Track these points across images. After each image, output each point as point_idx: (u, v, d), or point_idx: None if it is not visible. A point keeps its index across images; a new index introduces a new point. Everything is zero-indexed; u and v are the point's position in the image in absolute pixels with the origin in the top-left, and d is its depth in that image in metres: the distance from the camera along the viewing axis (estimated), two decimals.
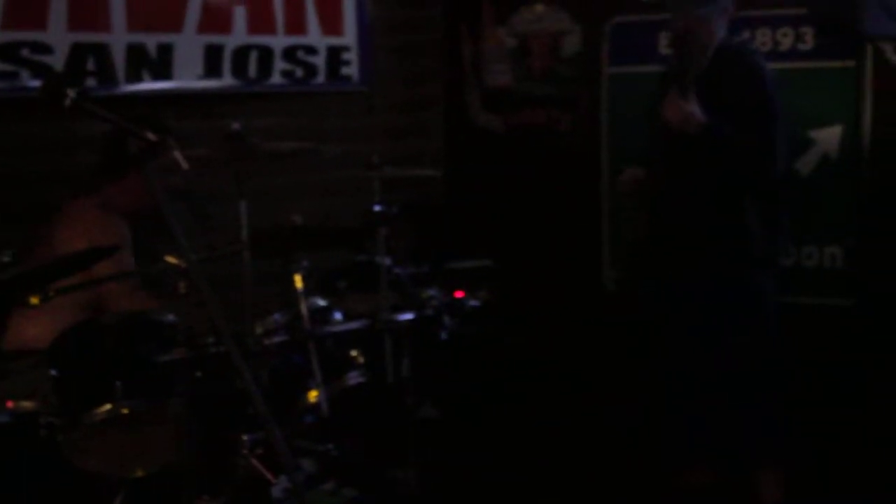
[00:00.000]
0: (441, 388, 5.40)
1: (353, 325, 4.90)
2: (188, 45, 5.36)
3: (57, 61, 5.07)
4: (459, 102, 6.76)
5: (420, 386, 4.98)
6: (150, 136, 3.83)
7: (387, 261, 5.01)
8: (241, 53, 5.57)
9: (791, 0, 4.99)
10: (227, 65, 5.52)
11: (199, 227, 4.89)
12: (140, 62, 5.22)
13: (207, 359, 4.28)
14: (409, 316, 4.93)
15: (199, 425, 4.21)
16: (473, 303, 5.43)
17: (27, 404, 4.04)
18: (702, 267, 4.78)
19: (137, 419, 4.14)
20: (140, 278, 4.71)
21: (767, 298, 4.81)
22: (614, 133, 6.21)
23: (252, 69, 5.62)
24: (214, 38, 5.46)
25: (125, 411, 4.04)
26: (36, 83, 4.99)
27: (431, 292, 5.26)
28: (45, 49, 5.05)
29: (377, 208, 5.00)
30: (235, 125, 4.68)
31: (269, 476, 4.31)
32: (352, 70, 6.07)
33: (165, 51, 5.27)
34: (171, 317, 4.28)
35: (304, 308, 4.69)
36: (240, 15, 5.55)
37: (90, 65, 5.16)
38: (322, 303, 4.94)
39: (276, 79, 5.74)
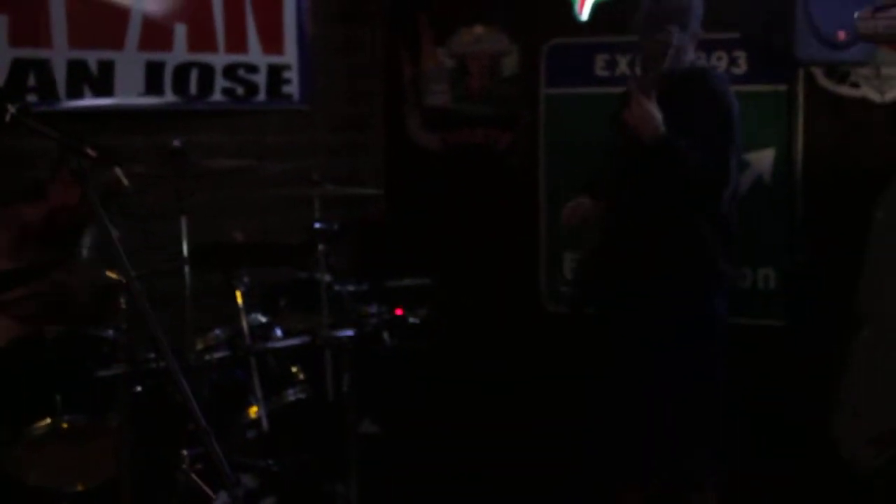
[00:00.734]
0: (381, 404, 5.42)
1: (294, 341, 4.88)
2: (129, 62, 5.34)
3: None
4: (399, 121, 6.79)
5: (360, 402, 4.99)
6: (91, 152, 3.85)
7: (327, 278, 5.04)
8: (182, 71, 5.56)
9: (725, 25, 5.03)
10: (167, 82, 5.50)
11: (139, 243, 4.88)
12: (81, 78, 5.19)
13: (148, 374, 4.29)
14: (349, 332, 4.89)
15: (139, 440, 4.19)
16: (413, 320, 5.46)
17: None
18: (655, 287, 4.75)
19: (78, 433, 4.17)
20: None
21: (719, 320, 4.81)
22: (551, 152, 6.27)
23: (193, 86, 5.61)
24: (155, 56, 5.44)
25: (65, 426, 4.04)
26: None
27: (371, 309, 5.29)
28: None
29: (317, 226, 5.03)
30: (176, 142, 4.67)
31: (208, 491, 4.25)
32: (292, 88, 6.08)
33: (106, 67, 5.25)
34: (111, 332, 4.30)
35: (244, 324, 4.68)
36: (181, 32, 5.53)
37: (31, 80, 5.12)
38: (263, 319, 4.94)
39: (217, 96, 5.73)
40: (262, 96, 5.94)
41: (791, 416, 5.14)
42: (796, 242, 5.16)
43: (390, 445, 5.40)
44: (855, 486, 2.66)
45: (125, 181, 4.58)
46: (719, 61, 5.65)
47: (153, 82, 5.46)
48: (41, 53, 5.13)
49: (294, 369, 4.92)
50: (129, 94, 5.36)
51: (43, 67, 5.14)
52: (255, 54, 5.88)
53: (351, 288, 5.40)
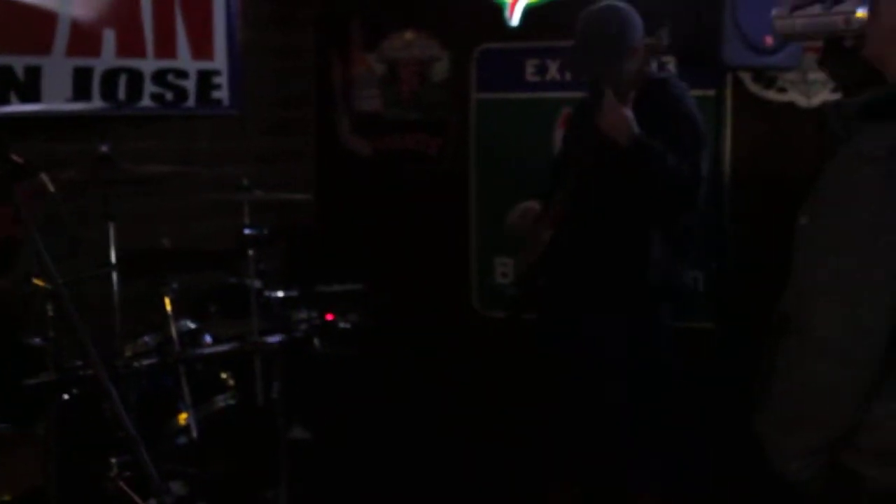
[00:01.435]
0: (312, 410, 5.41)
1: (224, 347, 4.90)
2: (56, 68, 5.28)
3: None
4: (330, 127, 6.79)
5: (290, 408, 5.00)
6: (16, 157, 3.82)
7: (257, 283, 5.03)
8: (111, 76, 5.51)
9: (653, 30, 5.06)
10: (96, 87, 5.45)
11: (66, 250, 4.85)
12: (7, 84, 5.13)
13: (75, 381, 4.27)
14: (279, 338, 4.92)
15: (67, 448, 4.19)
16: (344, 325, 5.46)
17: None
18: (601, 294, 4.77)
19: (4, 442, 4.16)
20: None
21: (664, 328, 4.87)
22: (482, 157, 6.30)
23: (121, 92, 5.57)
24: (83, 61, 5.39)
25: None
26: None
27: (302, 315, 5.29)
28: None
29: (247, 231, 5.02)
30: (104, 147, 4.66)
31: (137, 499, 4.26)
32: (222, 94, 6.05)
33: (33, 73, 5.19)
34: (38, 339, 4.27)
35: (173, 331, 4.67)
36: (109, 38, 5.49)
37: None
38: (192, 325, 4.93)
39: (146, 102, 5.69)
40: (191, 102, 5.91)
41: (720, 419, 5.18)
42: (724, 245, 5.19)
43: (320, 451, 5.39)
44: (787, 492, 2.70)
45: (51, 187, 4.58)
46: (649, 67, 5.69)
47: (81, 88, 5.40)
48: None
49: (224, 375, 4.93)
50: (56, 100, 5.30)
51: None
52: (185, 60, 5.85)
53: (281, 293, 5.38)
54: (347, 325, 5.46)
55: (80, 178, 4.75)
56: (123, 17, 5.56)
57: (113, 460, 4.31)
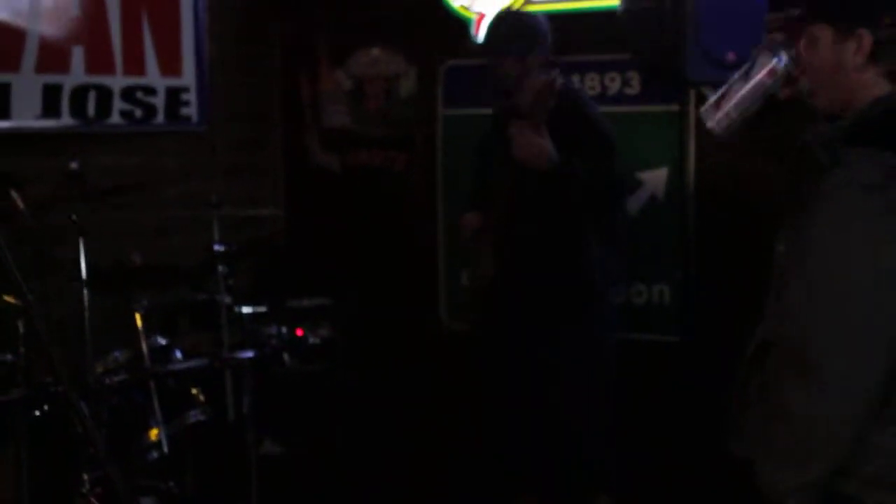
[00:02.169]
0: (282, 425, 5.43)
1: (194, 362, 4.90)
2: (26, 85, 5.28)
3: None
4: (299, 143, 6.80)
5: (261, 422, 5.01)
6: None
7: (227, 299, 5.05)
8: (80, 93, 5.52)
9: (618, 47, 5.10)
10: (65, 104, 5.45)
11: (36, 266, 4.85)
12: None
13: (46, 398, 4.27)
14: (249, 353, 4.94)
15: (39, 464, 4.18)
16: (313, 340, 5.48)
17: None
18: (544, 302, 4.84)
19: None
20: None
21: (607, 333, 4.94)
22: (449, 172, 6.32)
23: (91, 109, 5.57)
24: (52, 78, 5.39)
25: None
26: None
27: (272, 330, 5.31)
28: None
29: (217, 247, 5.04)
30: (73, 164, 4.68)
31: None
32: (191, 110, 6.05)
33: (2, 90, 5.19)
34: (8, 356, 4.26)
35: (144, 346, 4.69)
36: (78, 55, 5.49)
37: None
38: (162, 341, 4.94)
39: (115, 118, 5.68)
40: (160, 118, 5.91)
41: (683, 429, 5.23)
42: (689, 259, 5.24)
43: (291, 465, 5.40)
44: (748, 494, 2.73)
45: (21, 204, 4.59)
46: (612, 82, 5.74)
47: (50, 104, 5.40)
48: None
49: (194, 391, 4.91)
50: (26, 117, 5.30)
51: None
52: (154, 77, 5.85)
53: (251, 309, 5.41)
54: (317, 340, 5.48)
55: (50, 194, 4.77)
56: (92, 35, 5.57)
57: (85, 476, 4.30)
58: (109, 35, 5.64)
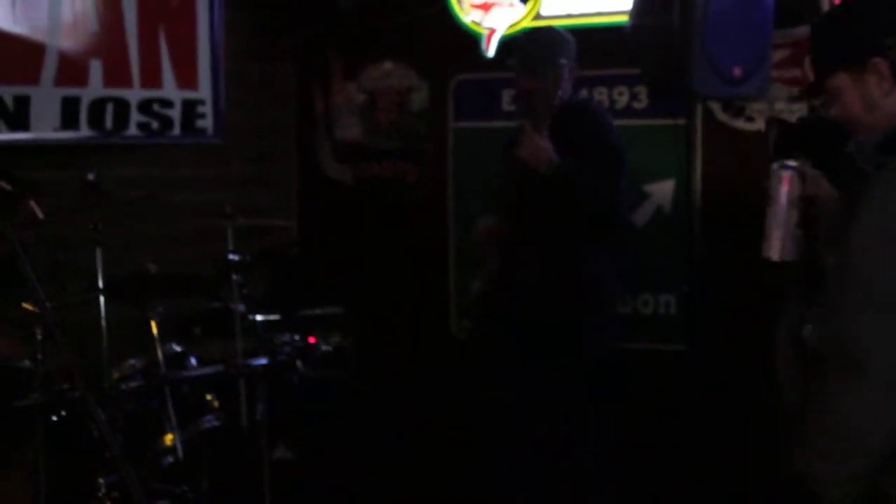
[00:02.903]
0: (294, 430, 5.47)
1: (208, 369, 4.97)
2: (45, 97, 5.35)
3: None
4: (311, 155, 6.83)
5: (274, 428, 5.06)
6: (4, 185, 3.90)
7: (241, 307, 5.10)
8: (98, 106, 5.58)
9: (626, 61, 5.14)
10: (83, 116, 5.51)
11: (55, 274, 4.91)
12: None
13: (63, 403, 4.32)
14: (262, 361, 5.01)
15: (56, 468, 4.23)
16: (325, 348, 5.53)
17: None
18: (548, 313, 4.89)
19: None
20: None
21: (609, 345, 4.99)
22: (459, 184, 6.36)
23: (108, 121, 5.63)
24: (71, 91, 5.46)
25: None
26: None
27: (285, 338, 5.35)
28: None
29: (231, 257, 5.09)
30: (91, 175, 4.75)
31: None
32: (206, 123, 6.10)
33: (22, 102, 5.26)
34: (27, 362, 4.30)
35: (159, 353, 4.74)
36: (96, 68, 5.55)
37: None
38: (178, 348, 4.99)
39: (132, 130, 5.74)
40: (176, 130, 5.96)
41: (690, 437, 5.26)
42: (695, 269, 5.28)
43: (303, 470, 5.45)
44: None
45: (40, 214, 4.67)
46: (621, 96, 5.79)
47: (69, 117, 5.46)
48: None
49: (209, 397, 4.98)
50: (44, 129, 5.36)
51: None
52: (170, 89, 5.91)
53: (264, 317, 5.45)
54: (329, 348, 5.53)
55: (69, 204, 4.84)
56: (110, 49, 5.63)
57: (101, 480, 4.37)
58: (127, 49, 5.71)
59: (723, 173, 5.67)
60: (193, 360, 5.01)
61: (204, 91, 6.09)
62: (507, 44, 5.95)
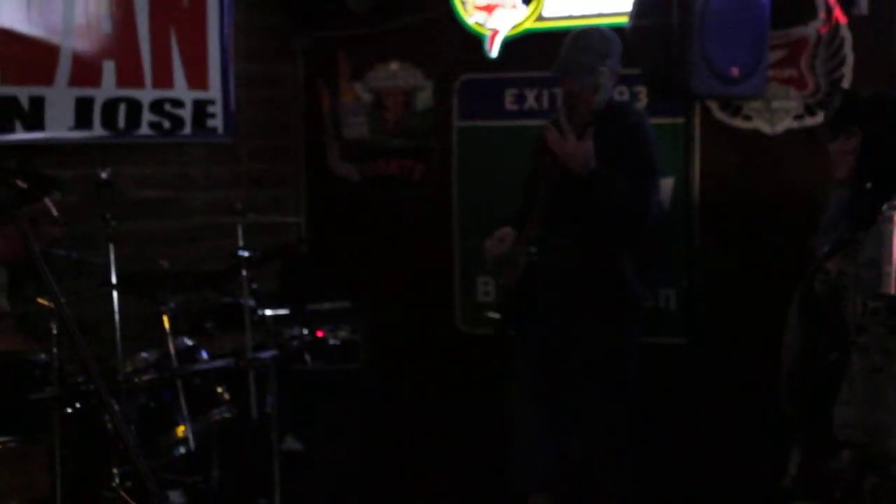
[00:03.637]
0: (303, 422, 5.53)
1: (219, 363, 5.03)
2: (59, 98, 5.40)
3: None
4: (319, 153, 6.87)
5: (283, 420, 5.14)
6: (21, 183, 3.98)
7: (251, 302, 5.15)
8: (111, 106, 5.63)
9: (626, 61, 5.18)
10: (96, 116, 5.56)
11: (69, 270, 4.97)
12: (13, 113, 5.25)
13: (78, 396, 4.39)
14: (272, 354, 5.08)
15: (71, 459, 4.30)
16: (333, 341, 5.59)
17: None
18: (575, 309, 4.95)
19: (11, 455, 4.25)
20: (14, 320, 4.75)
21: (633, 341, 5.06)
22: (463, 182, 6.43)
23: (121, 121, 5.68)
24: (84, 91, 5.52)
25: None
26: None
27: (294, 332, 5.42)
28: None
29: (241, 253, 5.14)
30: (104, 174, 4.81)
31: None
32: (216, 122, 6.15)
33: (37, 103, 5.32)
34: (42, 356, 4.36)
35: (171, 347, 4.81)
36: (109, 69, 5.61)
37: None
38: (189, 342, 5.05)
39: (145, 130, 5.79)
40: (187, 130, 6.01)
41: (689, 428, 5.32)
42: (694, 265, 5.35)
43: (312, 461, 5.51)
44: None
45: (55, 211, 4.76)
46: (621, 96, 5.84)
47: (82, 117, 5.51)
48: None
49: (219, 390, 5.04)
50: (59, 129, 5.41)
51: None
52: (181, 89, 5.96)
53: (274, 312, 5.49)
54: (337, 342, 5.59)
55: (83, 202, 4.92)
56: (123, 50, 5.69)
57: (114, 471, 4.43)
58: (139, 50, 5.77)
59: (721, 171, 5.72)
60: (204, 354, 5.06)
61: (214, 91, 6.13)
62: (509, 45, 6.04)
